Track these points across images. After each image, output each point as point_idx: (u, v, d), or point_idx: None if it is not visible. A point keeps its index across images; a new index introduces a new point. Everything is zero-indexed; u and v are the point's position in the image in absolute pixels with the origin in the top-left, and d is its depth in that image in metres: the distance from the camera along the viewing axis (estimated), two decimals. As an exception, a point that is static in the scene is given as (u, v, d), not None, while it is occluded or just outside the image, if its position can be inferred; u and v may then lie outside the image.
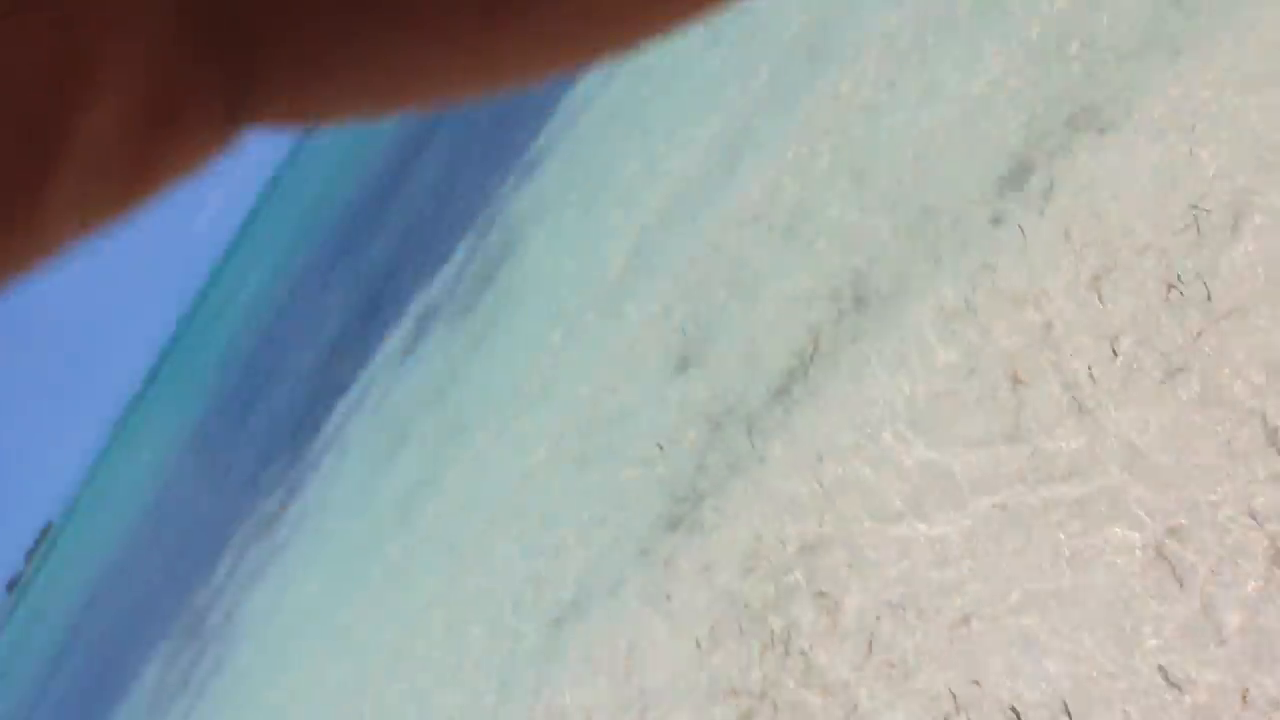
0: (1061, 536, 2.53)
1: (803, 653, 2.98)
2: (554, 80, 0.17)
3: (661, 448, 4.49)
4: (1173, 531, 2.30)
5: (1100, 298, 2.86)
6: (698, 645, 3.38)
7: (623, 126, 8.81)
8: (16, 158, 0.13)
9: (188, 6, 0.13)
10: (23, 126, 0.12)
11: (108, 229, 0.15)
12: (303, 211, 30.64)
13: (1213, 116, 2.98)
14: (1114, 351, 2.71)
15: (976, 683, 2.45)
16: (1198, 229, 2.72)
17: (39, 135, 0.13)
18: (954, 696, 2.46)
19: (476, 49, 0.15)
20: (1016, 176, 3.54)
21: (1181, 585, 2.22)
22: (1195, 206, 2.77)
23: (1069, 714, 2.24)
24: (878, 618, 2.82)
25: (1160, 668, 2.16)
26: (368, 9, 0.13)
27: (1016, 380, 2.93)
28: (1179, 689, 2.11)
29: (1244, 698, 2.01)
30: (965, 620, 2.59)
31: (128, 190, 0.14)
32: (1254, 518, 2.18)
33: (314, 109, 0.15)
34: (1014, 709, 2.34)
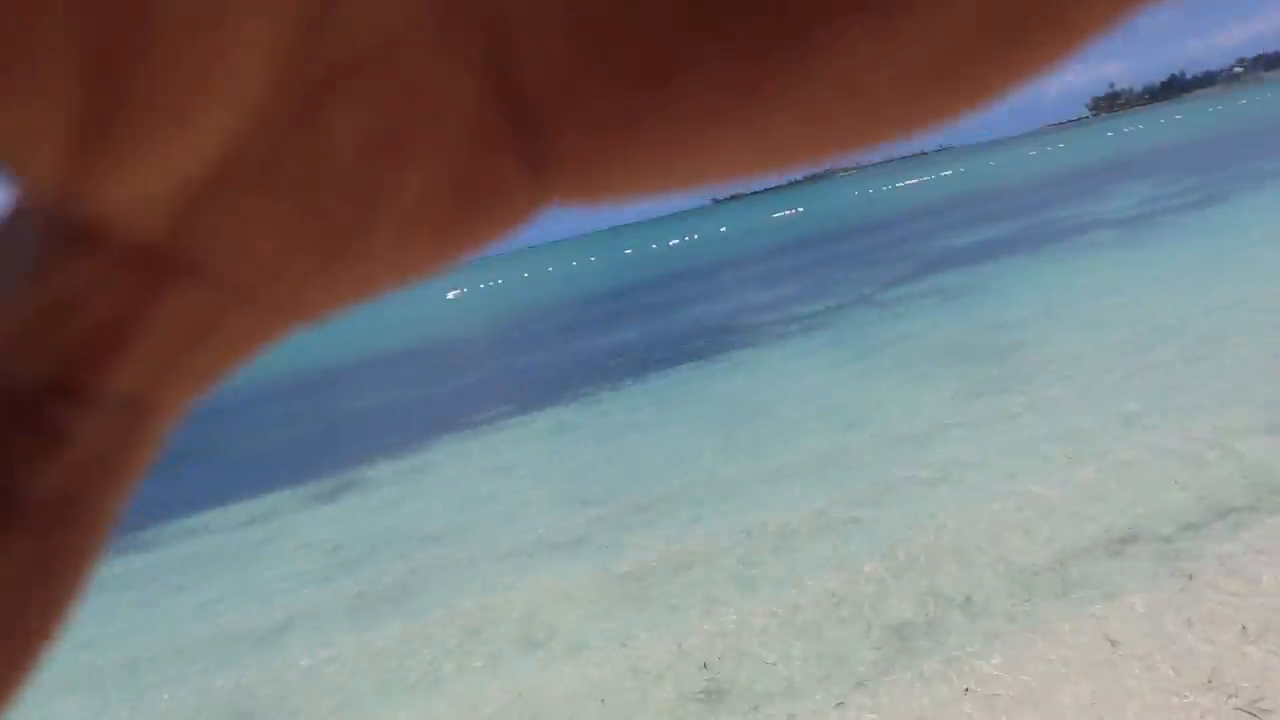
0: None
1: None
2: (827, 163, 0.17)
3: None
4: None
5: None
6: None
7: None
8: (345, 205, 0.15)
9: (487, 100, 0.14)
10: (347, 183, 0.14)
11: (415, 283, 0.17)
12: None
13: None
14: None
15: None
16: None
17: (363, 190, 0.15)
18: None
19: (745, 129, 0.15)
20: None
21: None
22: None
23: None
24: None
25: None
26: (642, 93, 0.14)
27: None
28: None
29: None
30: None
31: (435, 251, 0.16)
32: None
33: (599, 192, 0.16)
34: None
